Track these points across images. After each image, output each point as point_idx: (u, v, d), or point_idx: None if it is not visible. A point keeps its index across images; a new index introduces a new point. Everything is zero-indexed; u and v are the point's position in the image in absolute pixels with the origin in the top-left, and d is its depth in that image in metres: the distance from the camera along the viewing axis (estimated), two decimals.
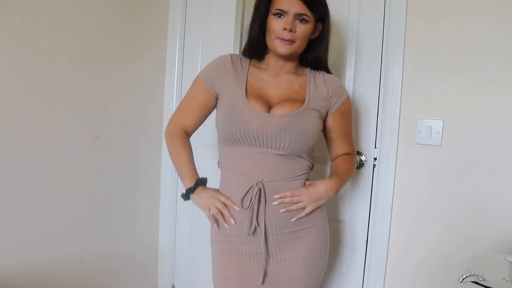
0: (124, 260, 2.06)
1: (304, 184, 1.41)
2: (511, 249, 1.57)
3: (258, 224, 1.36)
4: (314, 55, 1.44)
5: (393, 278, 1.80)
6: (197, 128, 1.52)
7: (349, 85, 1.82)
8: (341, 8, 1.82)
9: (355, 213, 1.84)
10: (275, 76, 1.44)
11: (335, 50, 1.84)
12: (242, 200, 1.36)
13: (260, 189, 1.34)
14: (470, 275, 1.26)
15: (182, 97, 2.09)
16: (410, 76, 1.72)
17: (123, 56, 1.94)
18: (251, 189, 1.35)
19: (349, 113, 1.50)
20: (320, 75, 1.46)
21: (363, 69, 1.80)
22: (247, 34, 1.45)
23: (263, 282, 1.37)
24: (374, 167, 1.80)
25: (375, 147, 1.80)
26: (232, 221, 1.38)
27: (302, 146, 1.37)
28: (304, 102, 1.39)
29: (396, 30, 1.72)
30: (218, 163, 1.48)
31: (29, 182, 1.60)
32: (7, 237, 1.54)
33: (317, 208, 1.41)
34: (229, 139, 1.37)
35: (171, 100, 2.17)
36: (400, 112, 1.74)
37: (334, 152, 1.53)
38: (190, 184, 1.43)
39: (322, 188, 1.39)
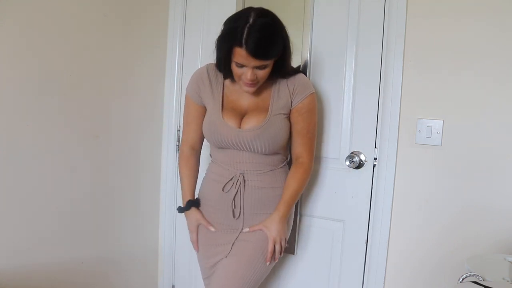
0: (124, 260, 2.06)
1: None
2: (511, 249, 1.57)
3: (235, 206, 1.60)
4: (277, 71, 1.54)
5: (393, 278, 1.80)
6: (203, 137, 1.71)
7: (349, 85, 1.82)
8: (341, 8, 1.82)
9: (355, 213, 1.84)
10: None
11: (335, 50, 1.84)
12: (224, 186, 1.60)
13: (240, 180, 1.58)
14: (470, 275, 1.26)
15: (182, 97, 2.13)
16: (410, 76, 1.72)
17: (123, 56, 1.94)
18: (233, 178, 1.59)
19: (308, 111, 1.61)
20: (284, 79, 1.59)
21: (363, 69, 1.80)
22: (215, 58, 1.53)
23: (232, 244, 1.61)
24: (374, 167, 1.80)
25: (375, 147, 1.79)
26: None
27: (275, 147, 1.58)
28: (268, 110, 1.56)
29: (396, 30, 1.72)
30: (210, 154, 1.73)
31: (29, 182, 1.60)
32: (7, 237, 1.54)
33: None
34: (213, 143, 1.63)
35: (171, 100, 2.17)
36: (400, 112, 1.74)
37: (291, 148, 1.68)
38: (183, 204, 1.71)
39: (274, 228, 1.58)
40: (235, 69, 1.48)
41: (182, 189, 1.73)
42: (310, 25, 1.88)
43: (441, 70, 1.67)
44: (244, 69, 1.45)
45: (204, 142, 1.76)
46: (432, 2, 1.67)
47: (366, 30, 1.78)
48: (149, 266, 2.25)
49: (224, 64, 1.51)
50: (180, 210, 1.71)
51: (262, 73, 1.48)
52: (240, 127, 1.56)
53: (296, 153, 1.65)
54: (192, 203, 1.70)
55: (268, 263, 1.58)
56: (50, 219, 1.68)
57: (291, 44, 1.52)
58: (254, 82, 1.48)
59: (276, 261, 1.63)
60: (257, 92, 1.59)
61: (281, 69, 1.54)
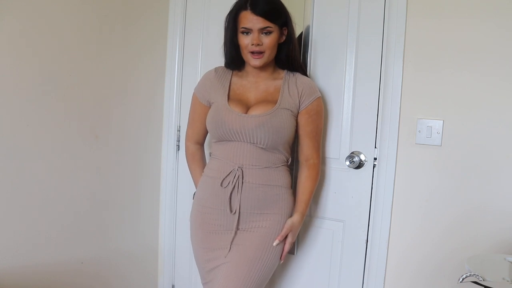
0: (124, 260, 2.06)
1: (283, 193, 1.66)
2: (511, 249, 1.57)
3: (232, 201, 1.59)
4: (286, 55, 1.66)
5: (393, 278, 1.80)
6: (207, 133, 1.77)
7: (349, 85, 1.82)
8: (341, 8, 1.82)
9: (355, 213, 1.84)
10: (254, 82, 1.68)
11: (335, 50, 1.84)
12: (222, 180, 1.60)
13: (238, 173, 1.58)
14: (470, 275, 1.26)
15: (182, 97, 2.13)
16: (410, 75, 1.72)
17: (123, 56, 1.94)
18: (231, 173, 1.60)
19: (316, 113, 1.67)
20: (293, 78, 1.67)
21: (363, 69, 1.80)
22: (224, 52, 1.68)
23: (230, 249, 1.60)
24: (374, 167, 1.80)
25: (375, 147, 1.79)
26: None
27: (278, 140, 1.60)
28: (276, 103, 1.61)
29: (396, 29, 1.72)
30: (210, 154, 1.78)
31: (29, 183, 1.60)
32: (7, 237, 1.54)
33: (285, 200, 1.65)
34: (216, 136, 1.64)
35: (171, 100, 2.17)
36: (400, 112, 1.74)
37: (300, 151, 1.72)
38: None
39: (298, 225, 1.66)
40: (242, 40, 1.58)
41: (194, 183, 1.81)
42: (310, 25, 1.88)
43: (442, 70, 1.67)
44: (250, 36, 1.56)
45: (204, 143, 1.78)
46: (433, 1, 1.67)
47: (366, 29, 1.78)
48: (149, 266, 2.25)
49: (230, 41, 1.62)
50: None
51: (268, 41, 1.56)
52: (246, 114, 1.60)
53: (306, 155, 1.70)
54: None
55: (276, 242, 1.59)
56: (50, 219, 1.69)
57: (294, 25, 1.64)
58: (260, 49, 1.56)
59: (282, 257, 1.65)
60: (266, 87, 1.65)
61: (288, 54, 1.64)
